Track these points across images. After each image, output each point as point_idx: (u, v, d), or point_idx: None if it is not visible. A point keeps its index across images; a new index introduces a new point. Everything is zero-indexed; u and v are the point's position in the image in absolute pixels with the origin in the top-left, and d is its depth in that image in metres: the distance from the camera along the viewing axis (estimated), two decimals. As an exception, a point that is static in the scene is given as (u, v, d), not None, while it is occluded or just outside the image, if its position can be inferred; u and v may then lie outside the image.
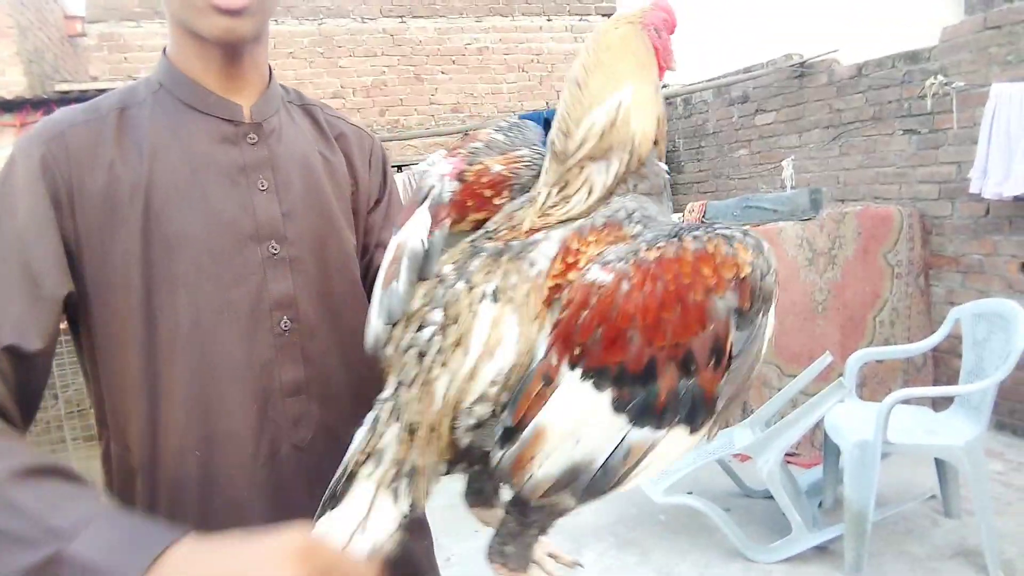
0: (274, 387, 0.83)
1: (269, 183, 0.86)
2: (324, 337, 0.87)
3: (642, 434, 0.59)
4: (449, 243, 0.73)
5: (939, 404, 3.51)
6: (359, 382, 0.88)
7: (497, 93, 7.23)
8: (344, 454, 0.72)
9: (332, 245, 0.89)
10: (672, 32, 0.74)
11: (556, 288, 0.62)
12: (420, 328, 0.67)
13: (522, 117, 4.18)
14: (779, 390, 3.35)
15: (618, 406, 0.59)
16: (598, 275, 0.60)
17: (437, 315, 0.66)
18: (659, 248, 0.60)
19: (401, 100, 7.00)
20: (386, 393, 0.69)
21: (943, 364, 4.03)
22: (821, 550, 2.82)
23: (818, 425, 2.96)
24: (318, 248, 0.88)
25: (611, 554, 2.97)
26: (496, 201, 0.75)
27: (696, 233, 0.60)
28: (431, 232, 0.73)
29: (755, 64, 5.36)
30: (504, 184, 0.76)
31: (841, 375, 3.04)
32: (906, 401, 2.77)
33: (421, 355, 0.66)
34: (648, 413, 0.59)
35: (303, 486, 0.83)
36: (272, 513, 0.80)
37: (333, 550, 0.61)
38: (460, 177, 0.76)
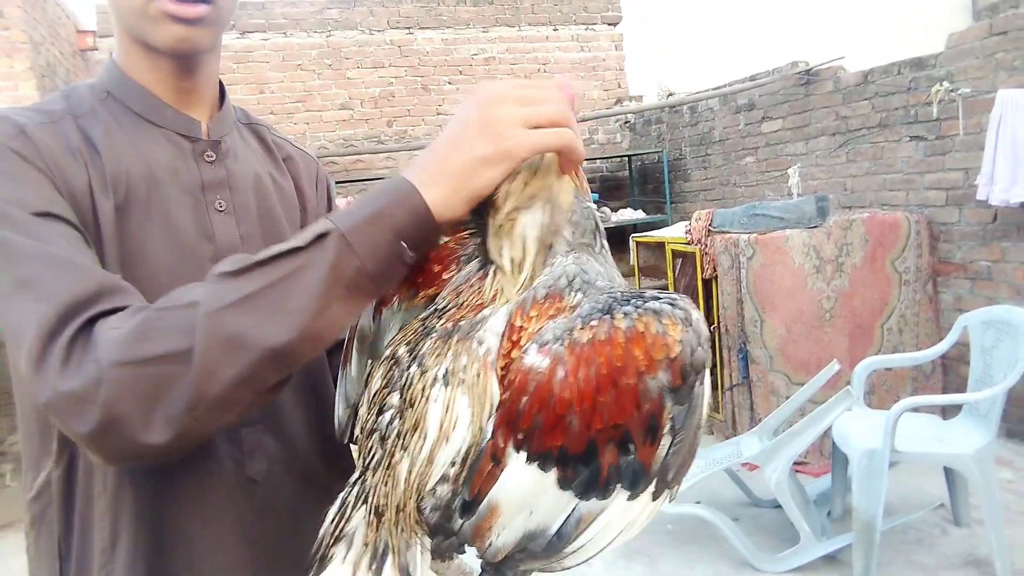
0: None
1: (227, 204, 0.83)
2: None
3: (590, 505, 0.61)
4: (404, 319, 0.73)
5: (948, 412, 3.50)
6: (309, 411, 0.87)
7: (504, 103, 7.25)
8: (298, 486, 0.75)
9: None
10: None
11: (506, 368, 0.63)
12: (380, 412, 0.68)
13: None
14: (787, 398, 3.35)
15: (563, 484, 0.60)
16: (534, 360, 0.60)
17: (395, 399, 0.67)
18: (592, 328, 0.60)
19: (408, 111, 7.05)
20: (354, 476, 0.69)
21: (952, 371, 4.01)
22: (830, 559, 2.81)
23: (827, 434, 2.95)
24: None
25: (619, 564, 2.97)
26: (444, 275, 0.72)
27: (627, 309, 0.60)
28: (380, 311, 0.72)
29: (761, 72, 5.37)
30: (451, 257, 0.73)
31: (849, 383, 3.03)
32: (915, 409, 2.76)
33: (383, 439, 0.66)
34: (592, 487, 0.60)
35: (259, 519, 0.81)
36: (231, 547, 0.78)
37: None
38: None
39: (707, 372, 0.61)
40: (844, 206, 4.61)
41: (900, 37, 7.56)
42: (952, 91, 3.81)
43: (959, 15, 8.43)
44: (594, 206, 0.72)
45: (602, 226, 0.73)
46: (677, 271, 4.67)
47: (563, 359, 0.59)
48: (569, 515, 0.62)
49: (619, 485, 0.61)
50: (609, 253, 0.74)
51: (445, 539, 0.64)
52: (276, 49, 6.73)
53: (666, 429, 0.60)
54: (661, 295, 0.61)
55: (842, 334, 3.88)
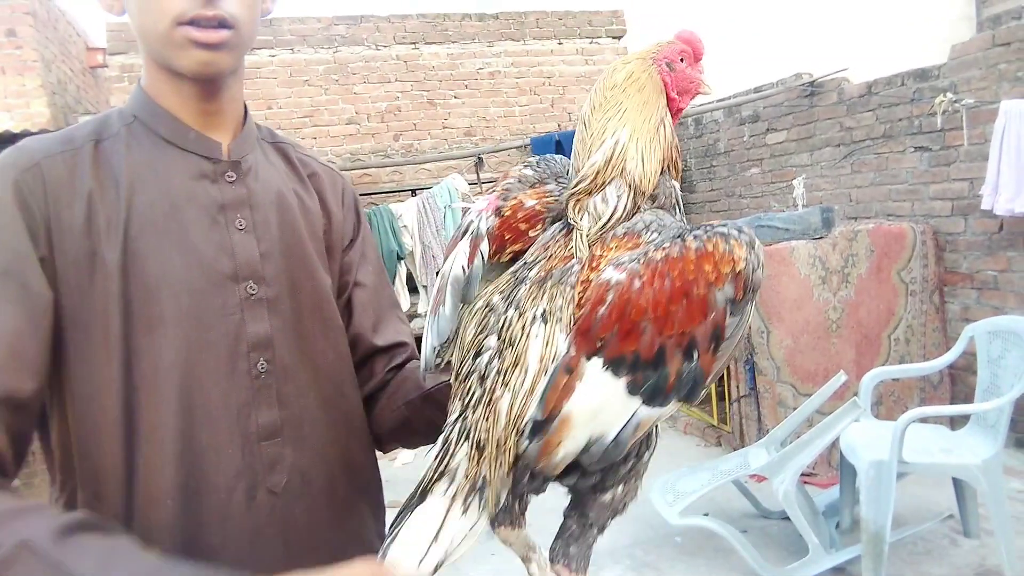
0: (251, 430, 0.81)
1: (247, 222, 0.85)
2: (299, 379, 0.86)
3: (650, 411, 0.67)
4: (491, 275, 0.78)
5: (956, 422, 3.49)
6: (332, 425, 0.88)
7: (510, 116, 7.30)
8: (317, 499, 0.81)
9: (307, 286, 0.89)
10: (698, 60, 0.81)
11: (584, 289, 0.69)
12: (478, 355, 0.72)
13: (534, 140, 4.30)
14: (794, 409, 3.35)
15: (632, 389, 0.66)
16: (612, 275, 0.67)
17: (492, 341, 0.71)
18: (665, 249, 0.67)
19: (415, 124, 7.09)
20: (452, 417, 0.73)
21: (960, 381, 4.00)
22: (839, 571, 2.80)
23: (835, 444, 2.95)
24: (294, 289, 0.87)
25: (627, 576, 2.97)
26: (531, 233, 0.79)
27: (697, 233, 0.68)
28: (471, 261, 0.77)
29: (765, 84, 5.39)
30: (538, 217, 0.80)
31: (856, 394, 3.03)
32: (922, 420, 2.76)
33: (482, 378, 0.71)
34: (658, 394, 0.66)
35: (278, 532, 0.82)
36: (247, 561, 0.78)
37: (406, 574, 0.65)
38: (497, 212, 0.81)
39: (758, 294, 0.69)
40: (849, 217, 4.61)
41: (903, 48, 7.58)
42: (956, 102, 3.82)
43: (962, 26, 8.45)
44: (677, 185, 0.79)
45: (681, 202, 0.81)
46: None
47: (639, 273, 0.66)
48: (629, 421, 0.67)
49: (679, 393, 0.67)
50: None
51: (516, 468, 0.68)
52: (283, 65, 6.80)
53: (727, 338, 0.67)
54: (730, 224, 0.69)
55: (849, 345, 3.88)
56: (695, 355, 0.66)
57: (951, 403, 4.01)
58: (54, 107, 5.62)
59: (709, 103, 5.98)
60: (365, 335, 0.97)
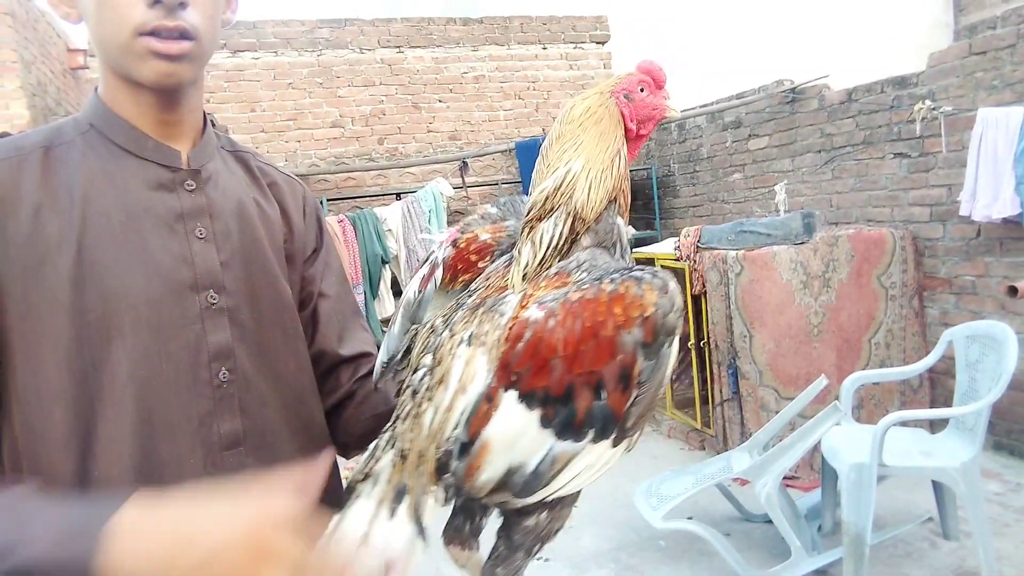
0: (212, 440, 0.81)
1: (207, 231, 0.84)
2: (260, 388, 0.85)
3: (564, 446, 0.70)
4: (446, 300, 0.85)
5: (935, 425, 3.54)
6: (294, 433, 0.88)
7: (494, 120, 7.31)
8: None
9: (268, 295, 0.88)
10: (660, 88, 0.83)
11: (512, 326, 0.73)
12: (415, 371, 0.78)
13: (518, 144, 4.31)
14: (776, 413, 3.38)
15: (544, 423, 0.69)
16: (533, 313, 0.71)
17: (428, 359, 0.77)
18: (583, 290, 0.71)
19: (399, 128, 7.08)
20: (386, 425, 0.78)
21: (939, 385, 4.05)
22: (821, 574, 2.83)
23: (817, 448, 2.98)
24: (254, 298, 0.87)
25: (612, 580, 2.98)
26: (480, 264, 0.86)
27: (614, 276, 0.71)
28: (423, 287, 0.83)
29: (747, 90, 5.44)
30: (488, 250, 0.87)
31: (837, 398, 3.07)
32: (902, 423, 2.79)
33: (414, 393, 0.76)
34: (568, 428, 0.69)
35: None
36: None
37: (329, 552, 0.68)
38: (454, 244, 0.88)
39: (676, 337, 0.70)
40: (830, 222, 4.67)
41: (883, 55, 7.68)
42: (934, 109, 3.88)
43: (940, 33, 8.58)
44: (622, 223, 0.81)
45: (627, 242, 0.83)
46: (667, 287, 4.70)
47: (555, 312, 0.70)
48: (546, 454, 0.70)
49: (591, 429, 0.69)
50: (630, 262, 0.83)
51: (446, 475, 0.72)
52: (267, 68, 6.77)
53: (636, 381, 0.69)
54: (648, 269, 0.71)
55: (830, 349, 3.92)
56: (603, 394, 0.68)
57: (930, 406, 4.06)
58: (34, 109, 5.56)
59: (692, 108, 6.03)
60: (330, 346, 0.98)
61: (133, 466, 0.76)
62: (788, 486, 3.29)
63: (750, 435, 3.49)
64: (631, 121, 0.81)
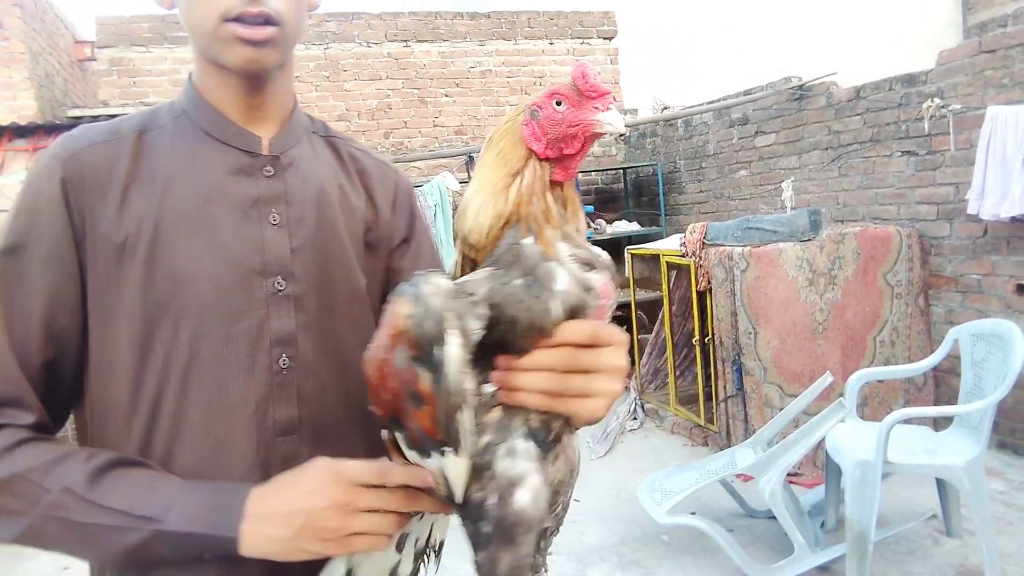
0: (267, 425, 0.82)
1: (281, 217, 0.84)
2: (321, 377, 0.85)
3: (431, 462, 0.71)
4: None
5: (940, 423, 3.54)
6: (356, 424, 0.88)
7: (500, 115, 7.27)
8: None
9: (340, 284, 0.88)
10: (588, 98, 0.72)
11: None
12: None
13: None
14: (780, 410, 3.38)
15: (407, 443, 0.72)
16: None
17: None
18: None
19: (405, 123, 7.09)
20: None
21: (944, 383, 4.05)
22: (824, 570, 2.83)
23: (820, 445, 2.98)
24: (325, 286, 0.87)
25: (616, 575, 2.98)
26: None
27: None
28: None
29: (755, 87, 5.43)
30: None
31: (842, 395, 3.07)
32: (907, 421, 2.79)
33: None
34: (417, 447, 0.71)
35: None
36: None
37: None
38: None
39: (447, 339, 0.65)
40: (836, 220, 4.66)
41: (892, 53, 7.66)
42: (943, 107, 3.87)
43: (950, 31, 8.54)
44: (529, 243, 0.71)
45: (536, 262, 0.70)
46: (672, 283, 4.71)
47: (372, 343, 0.70)
48: (435, 470, 0.71)
49: (427, 446, 0.69)
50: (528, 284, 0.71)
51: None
52: (274, 61, 6.78)
53: (429, 393, 0.66)
54: (416, 277, 0.68)
55: (835, 346, 3.92)
56: (409, 413, 0.68)
57: (935, 404, 4.06)
58: (41, 100, 5.58)
59: (698, 105, 6.02)
60: None
61: (190, 443, 0.79)
62: (792, 482, 3.29)
63: (754, 431, 3.50)
64: (536, 140, 0.72)
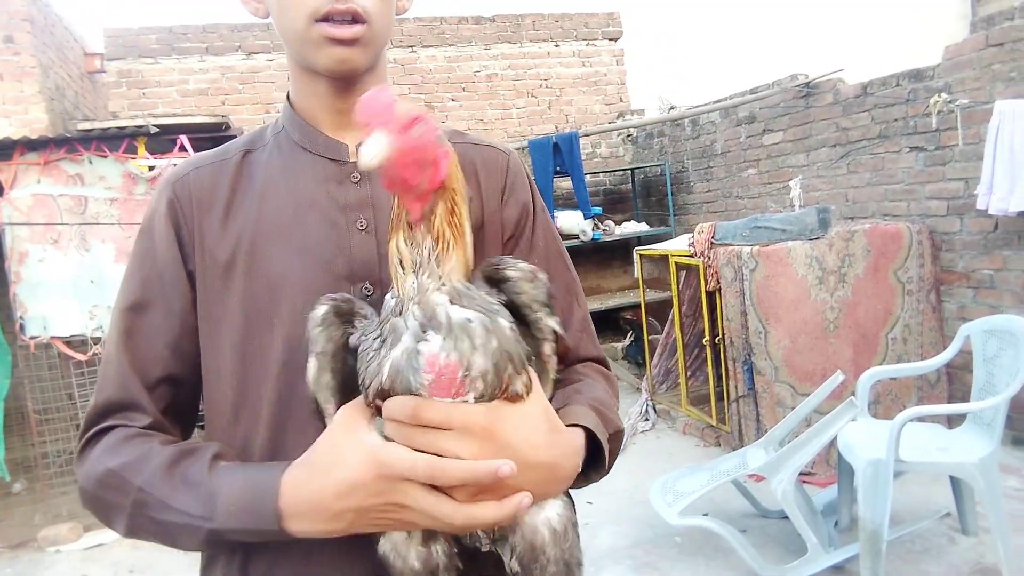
0: None
1: (369, 223, 0.84)
2: None
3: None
4: None
5: (952, 420, 3.51)
6: None
7: (507, 118, 7.32)
8: None
9: None
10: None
11: None
12: None
13: (531, 142, 4.28)
14: (792, 409, 3.37)
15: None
16: None
17: None
18: None
19: (412, 127, 7.11)
20: None
21: (957, 380, 4.02)
22: (838, 570, 2.81)
23: (833, 443, 2.97)
24: None
25: (628, 576, 2.98)
26: None
27: None
28: None
29: (761, 85, 5.42)
30: None
31: (854, 393, 3.05)
32: (919, 418, 2.78)
33: None
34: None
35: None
36: (337, 551, 0.78)
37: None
38: None
39: (310, 352, 0.73)
40: (846, 217, 4.64)
41: (898, 48, 7.62)
42: (950, 102, 3.85)
43: (956, 25, 8.49)
44: (388, 296, 0.70)
45: (384, 315, 0.70)
46: (681, 283, 4.70)
47: None
48: None
49: None
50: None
51: None
52: (282, 69, 6.81)
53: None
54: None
55: (846, 344, 3.90)
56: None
57: (948, 401, 4.03)
58: (52, 113, 5.64)
59: (705, 104, 6.01)
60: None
61: (291, 443, 0.79)
62: (804, 482, 3.28)
63: (766, 431, 3.49)
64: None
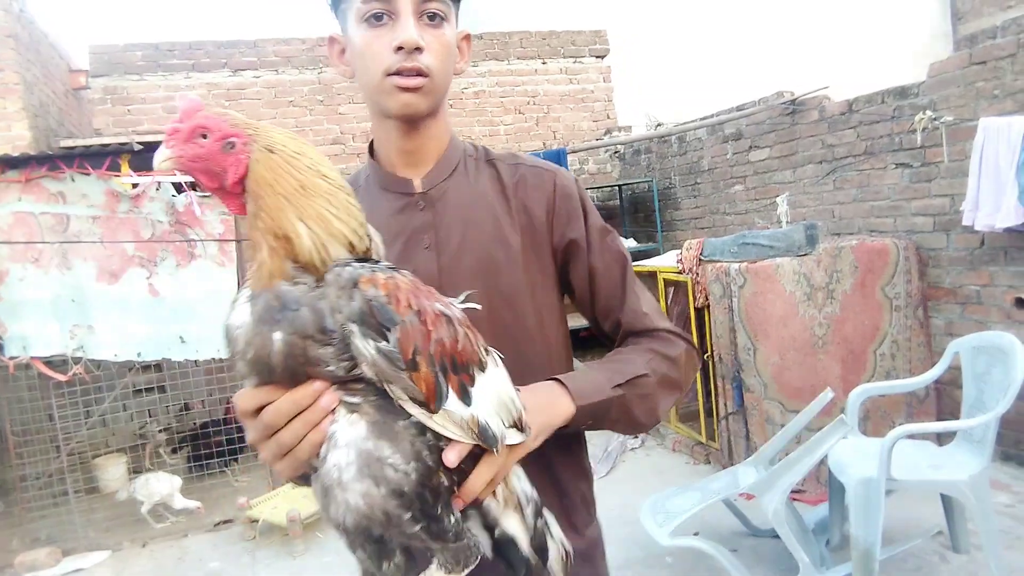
0: None
1: (431, 242, 1.05)
2: None
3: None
4: None
5: (943, 437, 3.50)
6: None
7: (495, 135, 7.33)
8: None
9: (491, 287, 1.04)
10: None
11: None
12: None
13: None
14: (782, 426, 3.35)
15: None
16: None
17: None
18: None
19: (400, 144, 7.10)
20: None
21: (946, 396, 4.02)
22: (830, 590, 2.79)
23: (823, 461, 2.95)
24: (475, 293, 0.98)
25: (618, 598, 2.94)
26: None
27: None
28: None
29: (748, 102, 5.45)
30: None
31: (843, 410, 3.04)
32: (909, 436, 2.76)
33: None
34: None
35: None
36: None
37: None
38: None
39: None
40: (833, 233, 4.65)
41: (883, 66, 7.69)
42: (935, 119, 3.88)
43: (939, 43, 8.59)
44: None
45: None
46: (670, 300, 4.69)
47: None
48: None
49: None
50: None
51: None
52: (268, 86, 6.80)
53: None
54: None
55: (835, 360, 3.90)
56: None
57: (937, 417, 4.02)
58: (36, 129, 5.59)
59: (692, 121, 6.04)
60: (598, 319, 1.14)
61: None
62: (795, 499, 3.25)
63: (755, 448, 3.46)
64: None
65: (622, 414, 1.01)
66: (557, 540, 0.91)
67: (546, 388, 0.95)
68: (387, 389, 0.71)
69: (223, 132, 0.74)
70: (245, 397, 0.75)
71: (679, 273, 4.34)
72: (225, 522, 4.24)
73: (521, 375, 0.96)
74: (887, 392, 3.67)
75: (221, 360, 4.43)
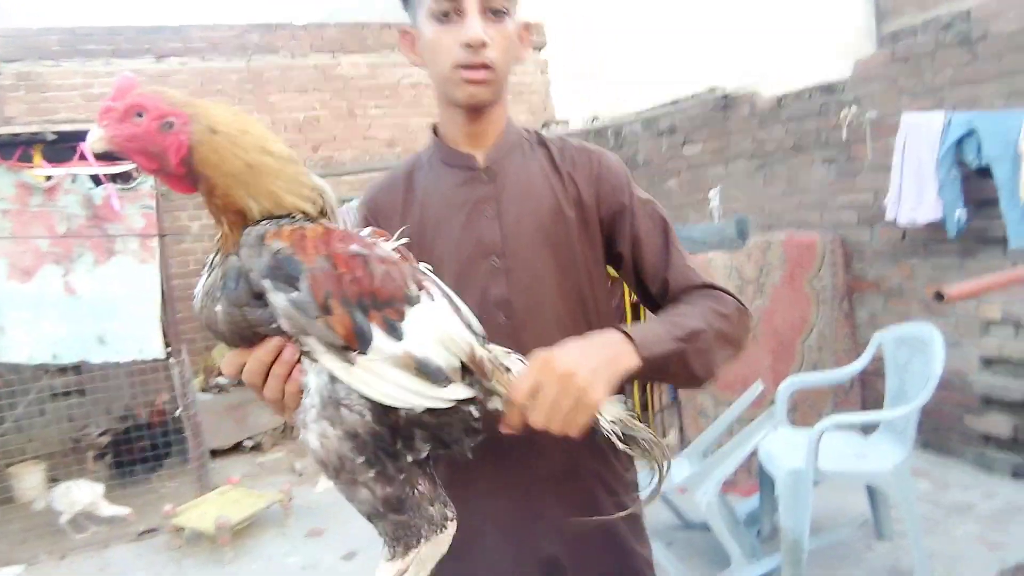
0: None
1: (493, 212, 1.14)
2: (535, 331, 1.09)
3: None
4: None
5: (867, 427, 3.60)
6: None
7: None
8: (538, 448, 1.09)
9: (545, 256, 1.14)
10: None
11: None
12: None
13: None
14: (714, 419, 3.39)
15: None
16: None
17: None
18: None
19: (335, 136, 6.94)
20: None
21: (870, 386, 4.14)
22: (761, 580, 2.83)
23: (754, 452, 2.99)
24: (531, 260, 1.14)
25: (554, 596, 2.92)
26: None
27: None
28: None
29: (682, 97, 5.49)
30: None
31: (774, 401, 3.09)
32: (836, 426, 2.82)
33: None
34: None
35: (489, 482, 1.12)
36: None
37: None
38: None
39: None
40: (763, 227, 4.73)
41: (811, 62, 7.87)
42: (860, 115, 3.97)
43: (864, 40, 8.84)
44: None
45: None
46: (606, 294, 4.70)
47: None
48: None
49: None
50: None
51: None
52: (195, 74, 6.54)
53: None
54: None
55: (765, 352, 3.97)
56: None
57: (861, 407, 4.14)
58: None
59: (627, 114, 6.06)
60: (646, 283, 1.21)
61: None
62: (727, 491, 3.30)
63: (690, 441, 3.50)
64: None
65: (681, 367, 1.04)
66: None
67: (612, 339, 0.98)
68: (302, 343, 0.73)
69: (160, 111, 0.73)
70: (225, 362, 0.81)
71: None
72: (150, 531, 4.08)
73: (552, 342, 1.01)
74: (815, 384, 3.75)
75: (144, 361, 4.25)
